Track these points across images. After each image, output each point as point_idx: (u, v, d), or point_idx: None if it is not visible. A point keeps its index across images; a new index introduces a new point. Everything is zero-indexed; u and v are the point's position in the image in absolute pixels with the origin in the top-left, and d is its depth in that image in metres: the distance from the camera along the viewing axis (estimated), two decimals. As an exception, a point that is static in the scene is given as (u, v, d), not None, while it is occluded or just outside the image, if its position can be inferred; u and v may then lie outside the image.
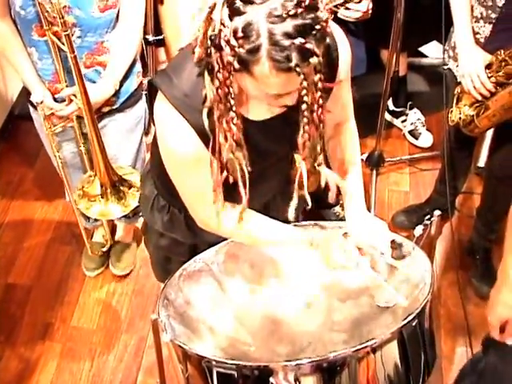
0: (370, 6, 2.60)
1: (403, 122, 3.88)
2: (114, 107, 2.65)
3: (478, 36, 2.62)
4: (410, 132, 3.84)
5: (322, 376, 1.64)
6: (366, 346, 1.65)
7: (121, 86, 2.58)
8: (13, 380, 2.85)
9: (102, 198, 2.63)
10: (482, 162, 3.53)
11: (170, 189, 1.87)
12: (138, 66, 2.69)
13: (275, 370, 1.65)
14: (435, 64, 4.06)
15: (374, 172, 3.56)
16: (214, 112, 1.55)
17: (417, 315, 1.71)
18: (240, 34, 1.39)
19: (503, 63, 2.51)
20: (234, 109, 1.52)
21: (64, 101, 2.53)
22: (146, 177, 2.14)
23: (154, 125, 1.78)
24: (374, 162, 3.55)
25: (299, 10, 1.39)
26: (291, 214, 1.72)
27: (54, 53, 2.42)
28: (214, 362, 1.70)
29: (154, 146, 1.94)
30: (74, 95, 2.45)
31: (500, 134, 2.91)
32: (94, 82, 2.52)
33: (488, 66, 2.56)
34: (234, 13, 1.40)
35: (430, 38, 3.88)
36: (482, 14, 2.58)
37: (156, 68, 3.10)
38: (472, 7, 2.60)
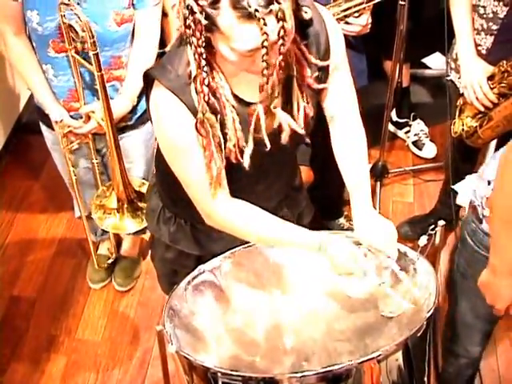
0: (370, 20, 2.62)
1: (407, 133, 3.89)
2: (130, 123, 2.66)
3: (479, 48, 2.63)
4: (414, 143, 3.84)
5: (328, 385, 1.64)
6: (370, 358, 1.65)
7: (138, 102, 2.60)
8: (18, 393, 2.86)
9: (117, 212, 2.65)
10: (485, 173, 3.52)
11: (175, 200, 1.88)
12: None
13: (281, 380, 1.65)
14: (438, 75, 4.06)
15: (378, 183, 3.56)
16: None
17: (422, 326, 1.71)
18: None
19: (505, 74, 2.51)
20: (205, 69, 1.55)
21: (81, 118, 2.54)
22: (152, 190, 2.15)
23: (150, 119, 1.79)
24: (377, 173, 3.55)
25: None
26: (246, 160, 1.72)
27: (74, 70, 2.43)
28: (219, 374, 1.69)
29: (158, 159, 1.95)
30: (93, 112, 2.47)
31: (503, 145, 2.91)
32: (111, 98, 2.53)
33: (490, 78, 2.57)
34: None
35: (432, 49, 3.90)
36: (482, 26, 2.59)
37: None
38: (473, 19, 2.61)
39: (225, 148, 1.70)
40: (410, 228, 3.37)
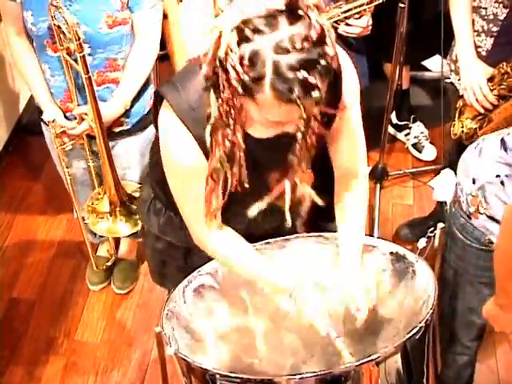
0: (370, 21, 2.62)
1: (406, 135, 3.88)
2: (125, 128, 2.66)
3: (479, 49, 2.63)
4: (414, 145, 3.84)
5: (326, 387, 1.64)
6: (369, 360, 1.64)
7: (132, 106, 2.59)
8: (17, 395, 2.85)
9: (110, 215, 2.65)
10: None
11: (166, 193, 1.88)
12: (151, 88, 2.70)
13: (279, 383, 1.65)
14: (438, 77, 4.05)
15: (378, 185, 3.56)
16: (213, 125, 1.57)
17: (421, 328, 1.70)
18: (246, 62, 1.41)
19: (505, 76, 2.51)
20: (231, 127, 1.54)
21: (75, 119, 2.54)
22: (145, 180, 2.16)
23: (156, 131, 1.81)
24: (377, 176, 3.55)
25: (306, 45, 1.41)
26: (253, 211, 1.73)
27: (66, 71, 2.43)
28: (217, 376, 1.69)
29: (154, 151, 1.96)
30: (86, 114, 2.47)
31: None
32: (105, 101, 2.53)
33: (490, 79, 2.57)
34: (242, 39, 1.41)
35: (432, 51, 3.89)
36: (482, 27, 2.59)
37: (159, 82, 3.11)
38: (473, 21, 2.61)
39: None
40: (409, 230, 3.37)
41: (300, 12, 1.42)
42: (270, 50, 1.40)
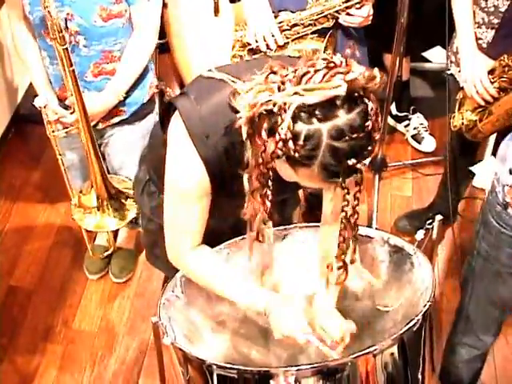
0: (371, 11, 2.60)
1: (406, 126, 3.88)
2: (124, 117, 2.65)
3: (480, 41, 2.62)
4: (413, 137, 3.84)
5: (322, 378, 1.64)
6: (366, 352, 1.65)
7: (130, 95, 2.58)
8: (14, 382, 2.85)
9: (98, 210, 2.64)
10: (484, 167, 3.53)
11: (160, 176, 1.88)
12: (151, 78, 2.69)
13: (276, 374, 1.65)
14: (438, 69, 4.05)
15: (377, 176, 3.55)
16: (251, 183, 1.58)
17: (418, 320, 1.71)
18: (300, 141, 1.42)
19: (506, 68, 2.50)
20: (270, 188, 1.56)
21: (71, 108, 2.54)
22: (142, 161, 2.16)
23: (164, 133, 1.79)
24: (376, 167, 3.54)
25: (361, 134, 1.43)
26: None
27: (59, 60, 2.43)
28: (214, 366, 1.70)
29: (153, 135, 1.96)
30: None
31: (503, 139, 2.90)
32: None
33: (491, 72, 2.56)
34: (299, 119, 1.42)
35: (433, 42, 3.88)
36: (483, 19, 2.58)
37: (159, 73, 3.10)
38: (474, 13, 2.60)
39: None
40: (407, 222, 3.37)
41: (358, 100, 1.44)
42: (327, 135, 1.41)
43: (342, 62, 1.45)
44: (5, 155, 3.82)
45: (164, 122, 1.79)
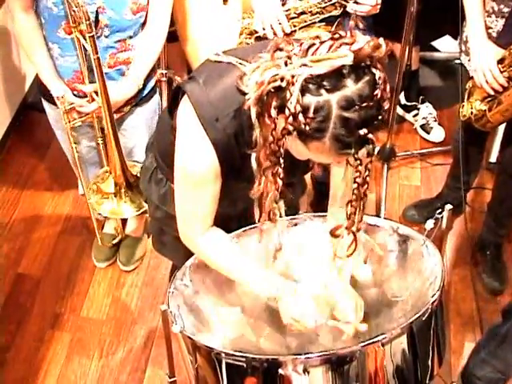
0: (379, 0, 2.59)
1: (415, 116, 3.87)
2: (134, 103, 2.66)
3: (490, 30, 2.61)
4: (422, 126, 3.83)
5: (331, 367, 1.64)
6: (375, 342, 1.65)
7: (144, 84, 2.59)
8: (22, 369, 2.86)
9: (115, 196, 2.64)
10: (493, 157, 3.52)
11: (168, 164, 1.88)
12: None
13: (284, 362, 1.65)
14: (447, 58, 4.04)
15: (386, 166, 3.55)
16: (261, 162, 1.57)
17: (427, 310, 1.70)
18: (311, 114, 1.42)
19: (516, 58, 2.50)
20: (282, 166, 1.55)
21: (81, 98, 2.53)
22: (149, 149, 2.15)
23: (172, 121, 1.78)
24: (385, 156, 3.54)
25: (370, 103, 1.43)
26: None
27: (79, 51, 2.42)
28: (223, 354, 1.70)
29: (160, 121, 1.95)
30: (96, 93, 2.46)
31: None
32: (115, 80, 2.53)
33: (500, 61, 2.55)
34: (308, 91, 1.42)
35: (442, 32, 3.86)
36: (493, 8, 2.57)
37: (168, 62, 3.09)
38: (484, 1, 2.59)
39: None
40: (416, 212, 3.37)
41: (365, 69, 1.43)
42: (336, 105, 1.41)
43: (346, 33, 1.45)
44: (13, 143, 3.82)
45: (172, 108, 1.78)
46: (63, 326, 3.02)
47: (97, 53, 2.33)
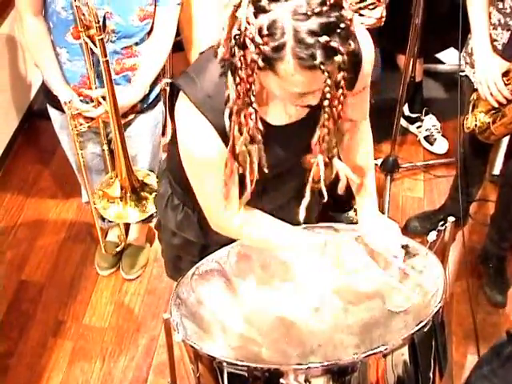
0: (384, 13, 2.61)
1: (418, 127, 3.87)
2: (139, 110, 2.68)
3: (495, 43, 2.62)
4: (426, 138, 3.83)
5: (332, 377, 1.64)
6: (376, 352, 1.65)
7: (149, 91, 2.61)
8: (24, 376, 2.86)
9: (121, 200, 2.65)
10: (497, 169, 3.52)
11: (184, 188, 1.88)
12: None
13: (286, 372, 1.65)
14: (452, 70, 4.05)
15: (389, 177, 3.55)
16: (233, 107, 1.55)
17: (429, 321, 1.70)
18: (265, 32, 1.40)
19: (521, 71, 2.51)
20: (253, 105, 1.53)
21: (87, 103, 2.55)
22: (162, 175, 2.15)
23: (172, 123, 1.79)
24: (388, 168, 3.54)
25: (324, 8, 1.40)
26: (302, 212, 1.71)
27: (86, 56, 2.44)
28: (225, 363, 1.70)
29: (172, 145, 1.95)
30: (103, 98, 2.47)
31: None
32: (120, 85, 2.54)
33: (505, 74, 2.56)
34: (259, 10, 1.41)
35: (447, 44, 3.88)
36: (499, 20, 2.57)
37: (173, 71, 3.12)
38: (490, 14, 2.60)
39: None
40: (419, 223, 3.37)
41: None
42: (289, 17, 1.39)
43: None
44: (18, 151, 3.84)
45: (172, 111, 1.78)
46: (65, 334, 3.02)
47: (106, 56, 2.35)
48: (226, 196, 1.74)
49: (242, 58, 1.45)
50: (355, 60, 1.68)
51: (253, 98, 1.51)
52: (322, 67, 1.42)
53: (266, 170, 1.66)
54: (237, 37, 1.44)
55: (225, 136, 1.63)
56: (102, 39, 2.32)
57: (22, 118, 3.93)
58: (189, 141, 1.71)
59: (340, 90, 1.49)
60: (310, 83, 1.48)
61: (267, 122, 1.68)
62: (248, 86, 1.49)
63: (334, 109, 1.52)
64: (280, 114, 1.67)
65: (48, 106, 2.72)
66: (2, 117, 3.77)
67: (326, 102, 1.49)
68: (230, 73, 1.52)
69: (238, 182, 1.74)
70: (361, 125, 1.97)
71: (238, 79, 1.49)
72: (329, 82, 1.45)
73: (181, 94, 1.68)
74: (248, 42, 1.42)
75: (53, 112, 2.71)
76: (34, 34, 2.51)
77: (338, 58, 1.43)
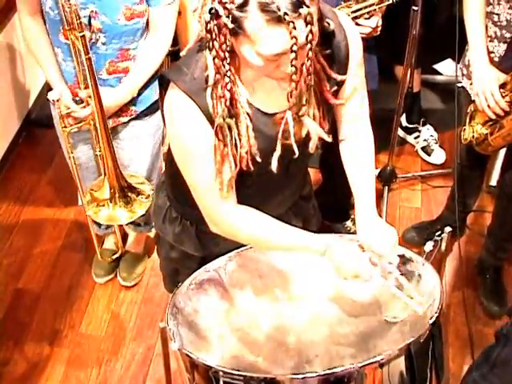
0: (380, 22, 2.61)
1: (416, 138, 3.88)
2: (133, 116, 2.67)
3: (492, 55, 2.63)
4: (423, 148, 3.84)
5: (329, 387, 1.64)
6: (373, 362, 1.65)
7: (140, 94, 2.60)
8: (20, 385, 2.86)
9: (110, 202, 2.63)
10: (494, 180, 3.52)
11: (182, 201, 1.88)
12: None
13: (282, 381, 1.65)
14: (449, 81, 4.06)
15: (386, 188, 3.56)
16: (213, 85, 1.58)
17: (425, 331, 1.71)
18: None
19: (518, 82, 2.51)
20: (228, 74, 1.55)
21: (82, 103, 2.55)
22: (160, 188, 2.15)
23: (163, 119, 1.79)
24: (386, 178, 3.55)
25: None
26: (274, 164, 1.70)
27: (73, 54, 2.43)
28: (221, 373, 1.70)
29: (169, 157, 1.94)
30: (90, 97, 2.47)
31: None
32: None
33: (502, 85, 2.56)
34: None
35: (444, 55, 3.89)
36: (495, 33, 2.59)
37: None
38: (486, 27, 2.61)
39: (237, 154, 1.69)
40: (416, 233, 3.37)
41: None
42: None
43: None
44: (15, 159, 3.84)
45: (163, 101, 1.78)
46: (62, 342, 3.02)
47: (88, 53, 2.33)
48: (220, 186, 1.72)
49: (215, 28, 1.48)
50: (341, 49, 1.73)
51: (227, 67, 1.54)
52: (287, 18, 1.43)
53: (258, 159, 1.67)
54: (212, 11, 1.47)
55: (212, 120, 1.64)
56: (83, 36, 2.30)
57: (20, 127, 3.94)
58: (179, 128, 1.70)
59: (308, 45, 1.50)
60: (279, 40, 1.48)
61: (257, 107, 1.69)
62: (222, 55, 1.52)
63: (303, 64, 1.53)
64: (268, 99, 1.68)
65: (51, 104, 2.72)
66: (1, 125, 3.77)
67: (292, 55, 1.49)
68: (207, 50, 1.55)
69: (234, 173, 1.73)
70: (361, 126, 1.96)
71: (214, 52, 1.52)
72: (294, 33, 1.45)
73: (170, 84, 1.69)
74: (217, 5, 1.45)
75: (53, 109, 2.71)
76: (33, 33, 2.52)
77: (304, 11, 1.44)
